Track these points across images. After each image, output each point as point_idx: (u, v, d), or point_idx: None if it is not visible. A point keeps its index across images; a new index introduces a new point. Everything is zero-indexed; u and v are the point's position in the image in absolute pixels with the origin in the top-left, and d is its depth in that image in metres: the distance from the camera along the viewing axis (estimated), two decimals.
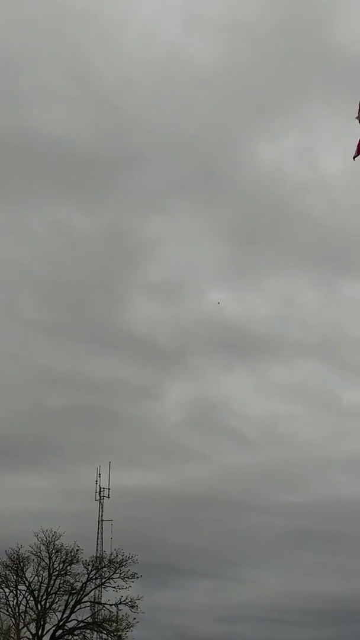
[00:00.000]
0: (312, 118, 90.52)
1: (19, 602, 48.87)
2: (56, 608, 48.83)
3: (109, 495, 59.14)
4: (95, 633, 50.27)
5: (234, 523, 77.74)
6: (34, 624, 48.49)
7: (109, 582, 49.52)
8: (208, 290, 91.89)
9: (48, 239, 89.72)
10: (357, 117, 23.39)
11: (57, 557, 49.16)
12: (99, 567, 49.87)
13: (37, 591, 48.96)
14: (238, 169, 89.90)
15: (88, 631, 49.50)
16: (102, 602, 50.56)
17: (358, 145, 24.74)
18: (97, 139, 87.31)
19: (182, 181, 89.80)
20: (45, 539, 49.02)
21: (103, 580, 49.66)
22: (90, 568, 49.52)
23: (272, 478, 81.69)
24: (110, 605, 49.25)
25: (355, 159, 24.85)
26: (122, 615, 49.09)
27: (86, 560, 49.73)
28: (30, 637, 48.26)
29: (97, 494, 59.15)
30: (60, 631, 48.45)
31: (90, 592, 50.00)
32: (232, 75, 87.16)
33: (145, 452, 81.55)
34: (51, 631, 48.36)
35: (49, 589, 48.95)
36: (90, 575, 49.51)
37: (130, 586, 48.96)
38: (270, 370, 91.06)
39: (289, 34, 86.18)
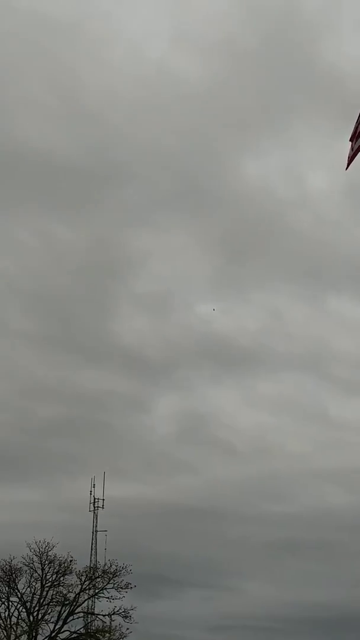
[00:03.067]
0: (297, 134, 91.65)
1: (10, 614, 48.55)
2: (49, 619, 48.58)
3: (103, 505, 59.05)
4: None
5: (224, 533, 77.89)
6: (26, 635, 48.17)
7: (103, 593, 49.32)
8: (195, 303, 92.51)
9: (35, 252, 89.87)
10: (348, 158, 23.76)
11: (50, 568, 48.90)
12: (93, 577, 49.66)
13: (29, 602, 48.66)
14: (224, 184, 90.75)
15: None
16: (95, 612, 50.34)
17: (349, 158, 25.08)
18: (83, 153, 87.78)
19: (168, 195, 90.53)
20: (38, 550, 48.82)
21: (96, 591, 49.44)
22: (83, 579, 49.28)
23: (260, 489, 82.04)
24: (104, 615, 49.06)
25: (347, 170, 25.15)
26: (115, 626, 48.98)
27: (80, 571, 49.54)
28: None
29: (92, 504, 59.00)
30: None
31: (83, 602, 49.77)
32: (218, 91, 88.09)
33: (135, 464, 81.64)
34: None
35: (42, 600, 48.65)
36: (84, 586, 49.27)
37: (124, 596, 48.81)
38: (258, 383, 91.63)
39: (274, 51, 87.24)
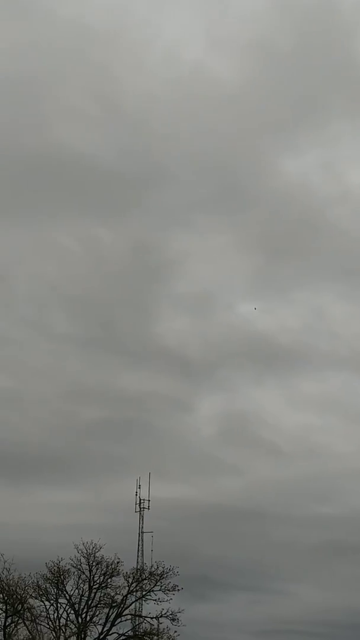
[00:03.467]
0: (335, 132, 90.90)
1: (59, 615, 48.40)
2: (97, 621, 48.33)
3: (149, 506, 58.79)
4: None
5: (269, 535, 77.26)
6: (75, 637, 48.01)
7: (150, 595, 48.95)
8: (236, 303, 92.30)
9: (77, 256, 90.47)
10: None
11: (97, 569, 48.68)
12: (140, 579, 49.33)
13: (77, 604, 48.47)
14: (263, 184, 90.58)
15: None
16: (143, 615, 49.99)
17: None
18: (123, 157, 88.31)
19: (207, 196, 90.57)
20: (85, 552, 48.63)
21: (144, 593, 49.10)
22: (130, 580, 48.96)
23: (306, 490, 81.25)
24: (151, 618, 48.68)
25: None
26: (163, 629, 48.53)
27: (127, 573, 49.25)
28: None
29: (137, 505, 58.79)
30: None
31: (130, 604, 49.44)
32: (256, 92, 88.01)
33: (179, 465, 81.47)
34: None
35: (90, 602, 48.44)
36: (131, 588, 48.96)
37: (171, 599, 48.34)
38: (302, 383, 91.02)
39: (310, 50, 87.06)
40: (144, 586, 49.13)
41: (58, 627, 48.08)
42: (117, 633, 48.52)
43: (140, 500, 58.90)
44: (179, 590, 48.47)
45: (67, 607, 48.55)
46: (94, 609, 48.37)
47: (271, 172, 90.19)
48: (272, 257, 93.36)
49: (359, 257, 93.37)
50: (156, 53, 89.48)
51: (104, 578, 48.62)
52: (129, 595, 48.88)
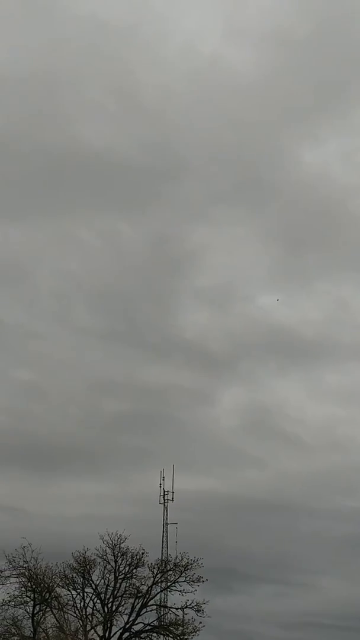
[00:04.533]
0: (354, 121, 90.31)
1: (86, 605, 49.08)
2: (122, 611, 48.87)
3: (173, 498, 59.26)
4: (161, 636, 50.19)
5: (295, 528, 77.34)
6: (101, 626, 48.62)
7: (175, 586, 49.40)
8: (257, 295, 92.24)
9: (98, 250, 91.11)
10: None
11: (122, 560, 49.23)
12: (165, 570, 49.80)
13: (103, 594, 49.08)
14: (282, 174, 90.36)
15: (154, 634, 49.43)
16: (168, 605, 50.47)
17: None
18: (141, 150, 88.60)
19: (226, 188, 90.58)
20: (110, 542, 49.19)
21: (169, 584, 49.56)
22: (155, 571, 49.45)
23: (331, 483, 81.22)
24: (176, 609, 49.12)
25: None
26: (188, 620, 48.94)
27: (152, 564, 49.76)
28: (98, 639, 48.40)
29: (162, 497, 59.29)
30: (127, 634, 48.50)
31: (155, 595, 49.94)
32: (273, 82, 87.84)
33: (202, 457, 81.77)
34: (118, 634, 48.45)
35: (115, 592, 49.00)
36: (156, 579, 49.45)
37: (195, 590, 48.78)
38: (325, 375, 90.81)
39: (328, 39, 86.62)
40: (168, 577, 49.61)
41: (85, 616, 48.74)
42: (143, 623, 49.04)
43: (164, 492, 59.42)
44: (203, 581, 48.90)
45: (94, 596, 49.17)
46: (119, 598, 48.93)
47: (291, 162, 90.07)
48: (293, 249, 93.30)
49: None
50: (173, 46, 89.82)
51: (129, 568, 49.16)
52: (154, 586, 49.40)
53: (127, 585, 49.22)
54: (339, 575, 74.65)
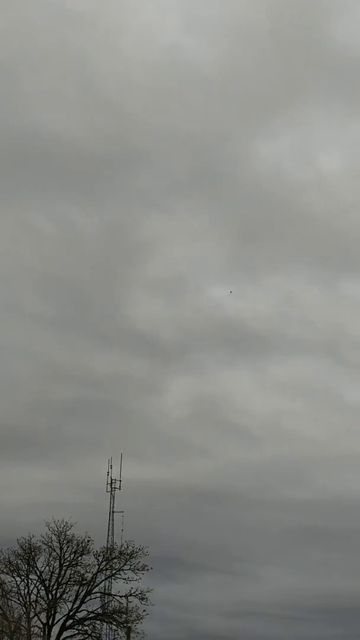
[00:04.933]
0: (310, 117, 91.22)
1: (30, 591, 48.98)
2: (67, 598, 48.91)
3: (120, 487, 59.39)
4: (105, 624, 50.40)
5: (240, 518, 78.07)
6: (45, 613, 48.60)
7: (120, 574, 49.60)
8: (209, 287, 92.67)
9: (51, 237, 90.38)
10: None
11: (68, 547, 49.23)
12: (110, 558, 49.96)
13: (47, 581, 49.01)
14: (238, 168, 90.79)
15: (98, 622, 49.59)
16: (112, 593, 50.67)
17: None
18: (98, 138, 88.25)
19: (182, 179, 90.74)
20: (56, 529, 49.15)
21: (113, 572, 49.74)
22: (100, 559, 49.60)
23: (276, 474, 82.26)
24: (121, 596, 49.34)
25: None
26: (132, 607, 49.24)
27: (97, 552, 49.86)
28: (41, 626, 48.38)
29: (109, 485, 59.35)
30: (70, 621, 48.55)
31: (100, 583, 50.09)
32: (231, 75, 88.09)
33: (149, 446, 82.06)
34: (61, 621, 48.48)
35: (60, 579, 49.02)
36: (101, 566, 49.60)
37: (140, 578, 49.06)
38: (272, 367, 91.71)
39: (287, 34, 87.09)
40: (113, 565, 49.79)
41: (28, 603, 48.65)
42: (87, 610, 49.18)
43: (111, 480, 59.49)
44: (148, 569, 49.20)
45: (38, 583, 49.10)
46: (64, 586, 48.94)
47: (247, 156, 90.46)
48: (246, 242, 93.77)
49: (330, 243, 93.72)
50: (132, 36, 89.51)
51: (74, 556, 49.19)
52: (98, 574, 49.56)
53: (72, 572, 49.29)
54: (281, 565, 75.82)
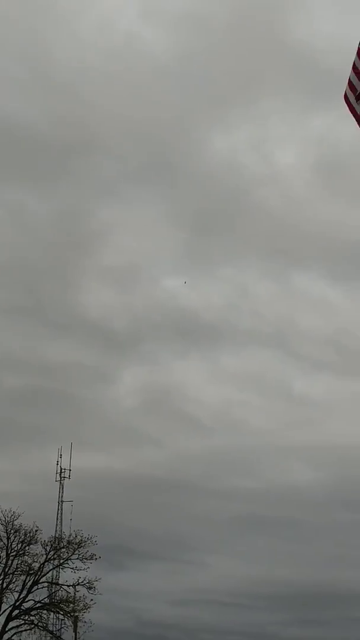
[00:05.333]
0: (266, 111, 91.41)
1: None
2: (13, 588, 48.43)
3: (69, 476, 59.00)
4: (52, 614, 50.08)
5: (188, 507, 78.29)
6: None
7: (67, 563, 49.30)
8: (163, 277, 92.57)
9: (3, 223, 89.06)
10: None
11: (15, 537, 48.74)
12: (58, 547, 49.60)
13: None
14: (193, 159, 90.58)
15: (45, 612, 49.24)
16: (60, 583, 50.33)
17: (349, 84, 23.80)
18: (54, 125, 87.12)
19: (138, 168, 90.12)
20: (3, 519, 48.65)
21: (61, 561, 49.40)
22: (48, 548, 49.22)
23: (225, 464, 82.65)
24: (68, 586, 49.08)
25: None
26: (80, 597, 48.99)
27: (45, 541, 49.47)
28: None
29: (58, 474, 58.91)
30: (16, 611, 48.07)
31: (48, 572, 49.73)
32: (188, 66, 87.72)
33: (100, 435, 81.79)
34: (7, 611, 47.98)
35: (7, 569, 48.52)
36: (49, 556, 49.22)
37: (88, 567, 48.84)
38: (224, 358, 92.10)
39: (244, 28, 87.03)
40: (61, 554, 49.43)
41: None
42: (34, 600, 48.75)
43: (61, 469, 59.09)
44: (96, 559, 48.99)
45: None
46: (10, 576, 48.45)
47: (202, 147, 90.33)
48: (200, 233, 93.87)
49: (283, 237, 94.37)
50: (89, 21, 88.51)
51: (21, 546, 48.73)
52: (46, 563, 49.14)
53: (19, 562, 48.81)
54: (228, 553, 76.25)
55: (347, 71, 22.84)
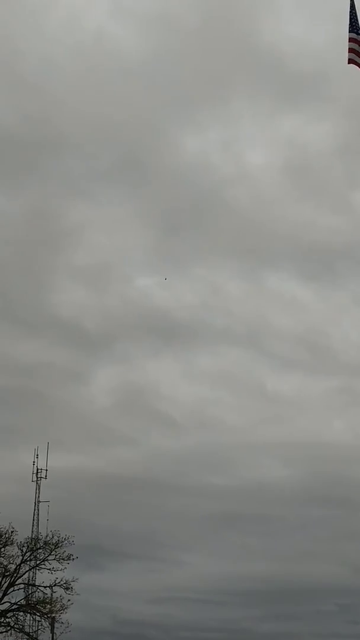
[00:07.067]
0: (236, 112, 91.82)
1: None
2: None
3: (46, 476, 58.67)
4: (28, 615, 49.71)
5: (163, 505, 78.50)
6: None
7: (44, 564, 48.93)
8: (135, 276, 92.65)
9: None
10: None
11: None
12: (34, 548, 49.21)
13: None
14: (164, 158, 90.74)
15: (21, 613, 48.85)
16: (36, 584, 49.96)
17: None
18: (22, 123, 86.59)
19: (108, 167, 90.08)
20: None
21: (38, 562, 49.02)
22: (25, 550, 48.78)
23: (199, 462, 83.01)
24: (45, 587, 48.71)
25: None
26: (57, 598, 48.68)
27: (21, 542, 49.00)
28: None
29: (34, 474, 58.52)
30: None
31: (24, 574, 49.32)
32: (156, 65, 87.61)
33: (74, 436, 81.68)
34: None
35: None
36: (25, 557, 48.81)
37: (65, 568, 48.53)
38: (197, 357, 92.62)
39: (215, 28, 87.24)
40: (38, 555, 49.05)
41: None
42: (10, 602, 48.34)
43: (37, 469, 58.71)
44: (73, 559, 48.64)
45: None
46: None
47: (172, 147, 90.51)
48: (172, 233, 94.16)
49: (254, 236, 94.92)
50: (58, 18, 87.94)
51: None
52: (22, 565, 48.73)
53: None
54: (204, 551, 76.56)
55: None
